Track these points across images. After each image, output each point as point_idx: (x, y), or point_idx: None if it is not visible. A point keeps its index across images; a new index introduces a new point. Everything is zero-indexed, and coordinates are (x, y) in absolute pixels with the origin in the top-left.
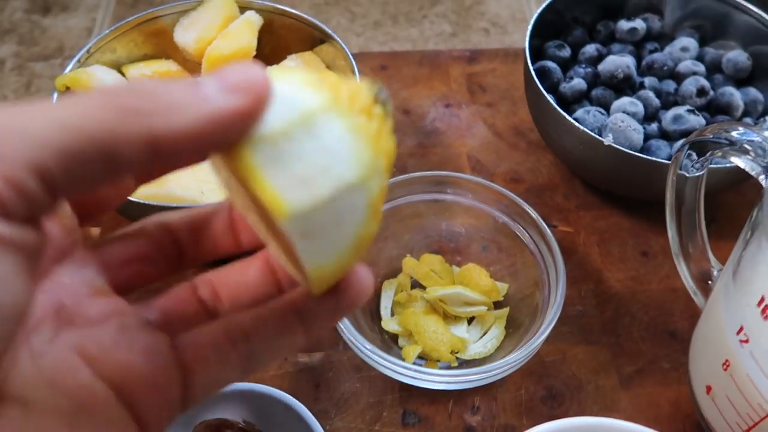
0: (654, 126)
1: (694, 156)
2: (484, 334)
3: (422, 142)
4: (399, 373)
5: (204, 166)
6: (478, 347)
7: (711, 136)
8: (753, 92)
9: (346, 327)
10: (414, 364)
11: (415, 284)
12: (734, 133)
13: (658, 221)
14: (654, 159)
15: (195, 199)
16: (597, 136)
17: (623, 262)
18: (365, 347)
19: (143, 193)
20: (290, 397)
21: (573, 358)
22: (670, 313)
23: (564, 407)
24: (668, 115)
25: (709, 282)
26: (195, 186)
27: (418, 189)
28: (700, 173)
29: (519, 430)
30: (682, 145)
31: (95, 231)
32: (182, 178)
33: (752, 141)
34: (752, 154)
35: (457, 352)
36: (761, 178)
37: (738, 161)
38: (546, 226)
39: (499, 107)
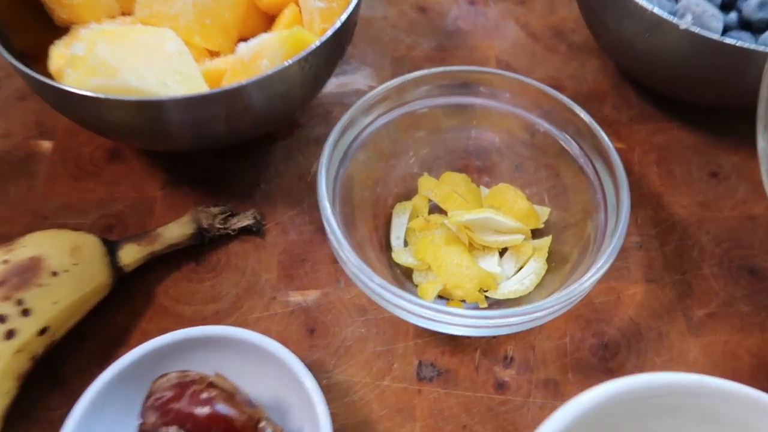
0: (733, 15)
1: None
2: (520, 268)
3: (442, 44)
4: (415, 314)
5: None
6: (512, 284)
7: None
8: None
9: (348, 259)
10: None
11: (434, 208)
12: None
13: (729, 135)
14: (745, 46)
15: (156, 91)
16: (671, 18)
17: (688, 184)
18: (373, 282)
19: (92, 84)
20: (277, 344)
21: (629, 299)
22: (747, 246)
23: (619, 359)
24: (752, 1)
25: None
26: (155, 75)
27: (437, 91)
28: None
29: (564, 387)
30: None
31: None
32: (137, 64)
33: None
34: None
35: (486, 291)
36: None
37: None
38: (604, 134)
39: (534, 5)
